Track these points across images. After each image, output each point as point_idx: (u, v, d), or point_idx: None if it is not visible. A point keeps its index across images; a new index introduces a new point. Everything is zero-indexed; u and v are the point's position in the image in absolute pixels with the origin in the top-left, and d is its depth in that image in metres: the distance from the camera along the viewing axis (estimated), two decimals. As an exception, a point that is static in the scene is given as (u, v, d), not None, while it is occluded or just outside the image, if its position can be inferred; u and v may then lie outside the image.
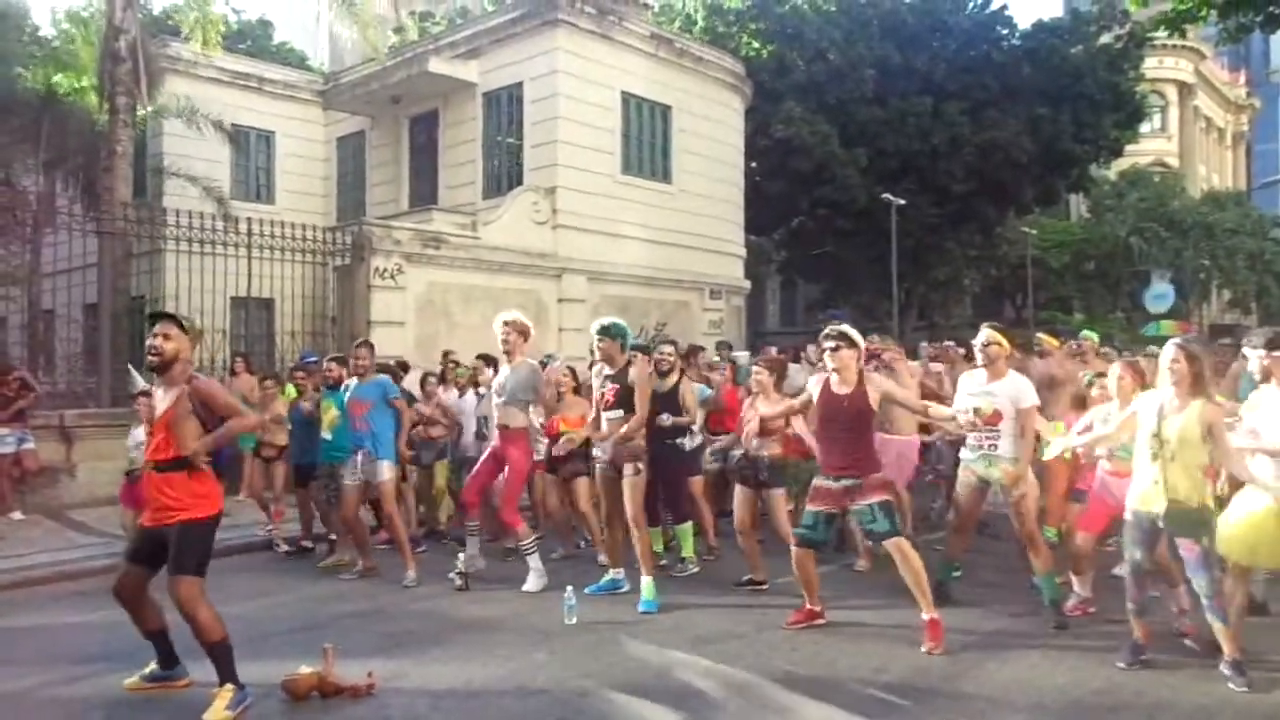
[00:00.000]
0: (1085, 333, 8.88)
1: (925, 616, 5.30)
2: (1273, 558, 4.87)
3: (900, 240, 23.87)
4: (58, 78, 16.80)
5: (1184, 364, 4.71)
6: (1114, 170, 34.29)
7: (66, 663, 5.22)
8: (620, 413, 6.27)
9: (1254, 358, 5.19)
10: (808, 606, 5.82)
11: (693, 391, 7.57)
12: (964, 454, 6.19)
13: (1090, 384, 6.27)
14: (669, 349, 7.65)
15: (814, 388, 5.77)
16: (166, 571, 4.38)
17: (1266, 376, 5.14)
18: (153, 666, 4.65)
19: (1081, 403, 6.32)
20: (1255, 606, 5.72)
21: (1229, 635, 4.66)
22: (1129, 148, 29.28)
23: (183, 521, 4.35)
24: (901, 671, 4.91)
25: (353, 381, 7.45)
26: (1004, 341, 6.07)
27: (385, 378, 7.52)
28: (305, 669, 4.50)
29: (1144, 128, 33.05)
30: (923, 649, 5.21)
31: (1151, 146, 40.71)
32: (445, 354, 10.28)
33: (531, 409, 7.09)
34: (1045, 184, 26.72)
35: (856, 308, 28.85)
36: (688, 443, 7.38)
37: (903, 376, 7.36)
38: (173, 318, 4.56)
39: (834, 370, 5.58)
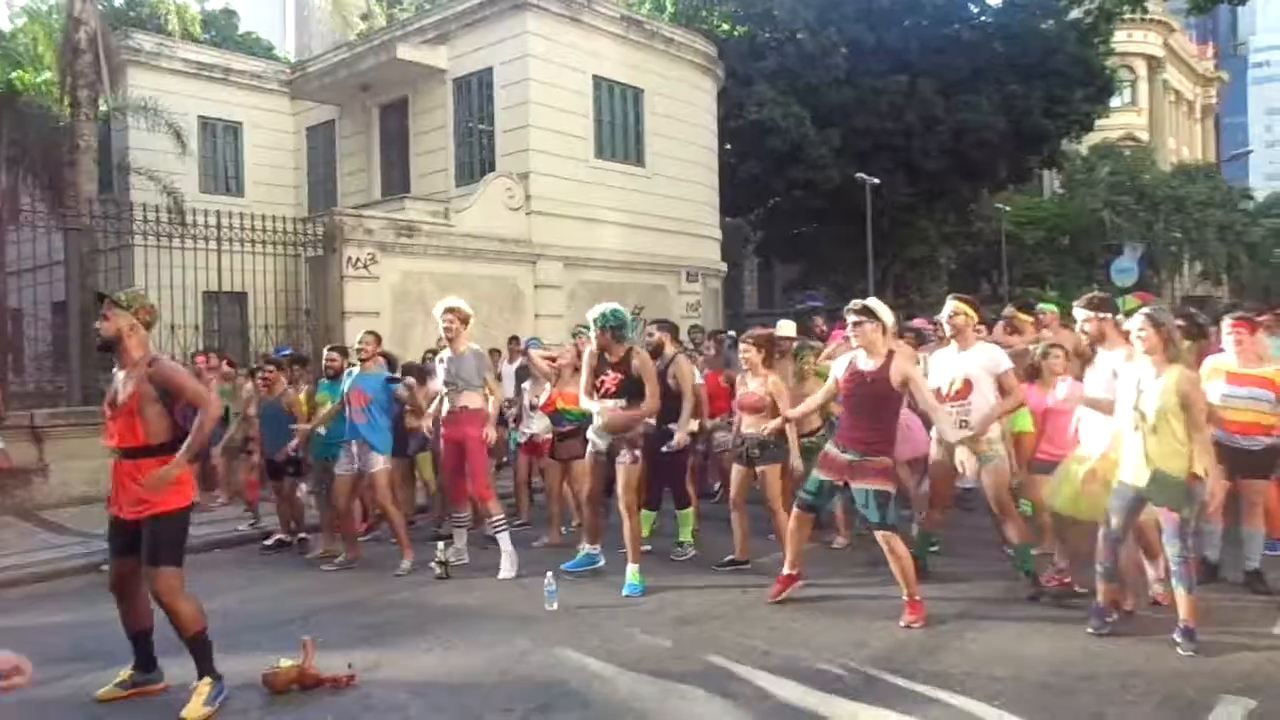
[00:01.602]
0: (1043, 305, 8.92)
1: (905, 598, 5.37)
2: (1089, 509, 5.15)
3: (875, 219, 23.94)
4: (15, 74, 16.51)
5: (1151, 332, 4.75)
6: (1085, 145, 34.54)
7: (40, 664, 5.12)
8: (622, 400, 6.24)
9: (1081, 318, 5.50)
10: (786, 572, 5.84)
11: (689, 369, 7.51)
12: (935, 430, 6.23)
13: (1045, 355, 6.29)
14: (654, 327, 7.64)
15: (839, 368, 5.75)
16: (144, 564, 4.30)
17: (1099, 338, 5.45)
18: (129, 671, 4.49)
19: (1036, 373, 6.34)
20: (1208, 570, 5.84)
21: (1189, 602, 4.75)
22: (1099, 122, 29.46)
23: (156, 514, 4.27)
24: (881, 646, 4.95)
25: (354, 371, 7.40)
26: (969, 311, 6.09)
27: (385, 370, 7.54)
28: (285, 662, 4.47)
29: (1114, 102, 33.29)
30: (901, 623, 5.26)
31: (1121, 120, 41.07)
32: (427, 352, 10.20)
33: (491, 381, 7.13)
34: (1018, 160, 26.88)
35: (833, 287, 28.94)
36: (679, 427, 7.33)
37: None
38: (109, 297, 4.43)
39: (858, 346, 5.58)
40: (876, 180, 23.21)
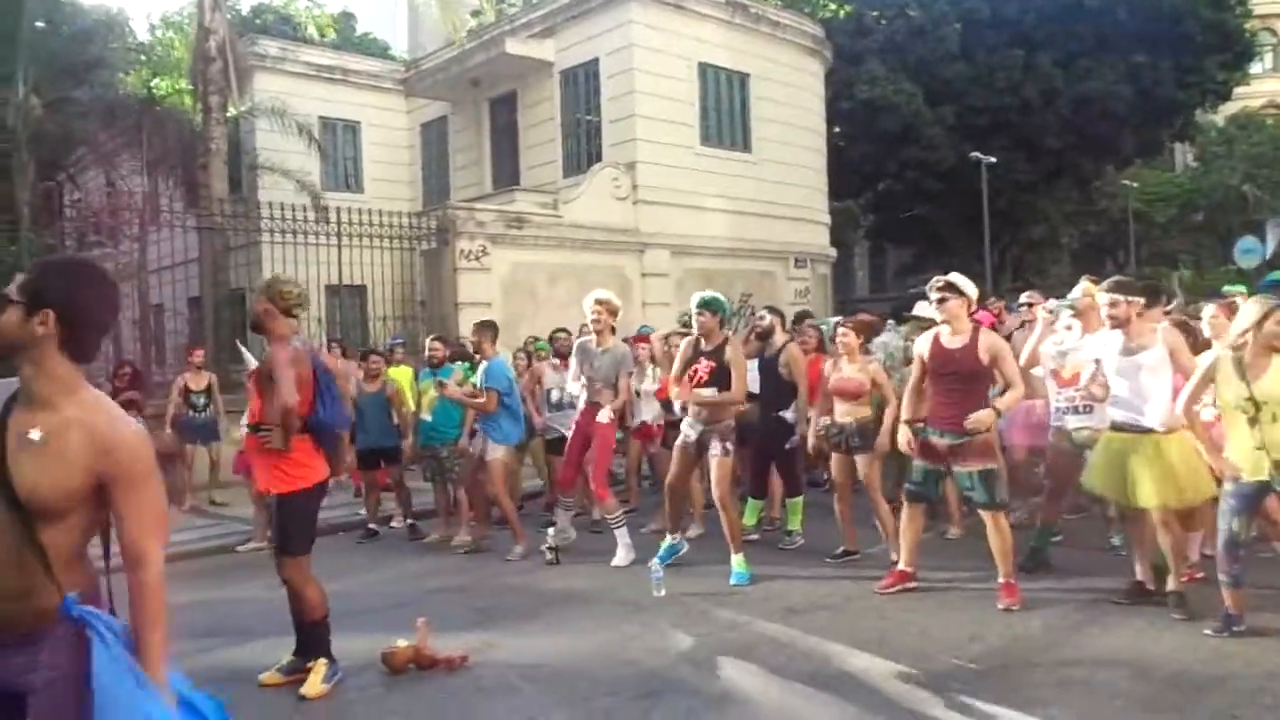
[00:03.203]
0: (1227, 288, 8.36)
1: (1001, 580, 5.28)
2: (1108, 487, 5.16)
3: (992, 200, 23.15)
4: (156, 81, 17.55)
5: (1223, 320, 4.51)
6: (1222, 116, 32.48)
7: (179, 638, 5.47)
8: (714, 390, 6.22)
9: (1106, 301, 5.22)
10: (901, 568, 5.73)
11: (802, 356, 7.42)
12: (1054, 417, 6.00)
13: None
14: (765, 312, 7.58)
15: (922, 345, 5.63)
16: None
17: (1124, 321, 5.15)
18: (290, 657, 4.59)
19: None
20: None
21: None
22: (1238, 90, 27.60)
23: (280, 495, 4.46)
24: (996, 639, 4.81)
25: (482, 364, 7.55)
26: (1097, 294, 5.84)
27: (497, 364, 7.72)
28: (402, 642, 4.64)
29: (1254, 68, 31.17)
30: (999, 605, 5.17)
31: (1263, 88, 38.37)
32: (528, 340, 10.38)
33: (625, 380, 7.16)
34: (1146, 134, 25.50)
35: (947, 270, 28.09)
36: (789, 413, 7.26)
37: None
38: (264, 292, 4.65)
39: (943, 322, 5.46)
40: (993, 159, 22.43)
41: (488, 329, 7.61)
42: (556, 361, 8.60)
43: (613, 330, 7.09)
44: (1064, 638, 4.82)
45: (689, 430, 6.38)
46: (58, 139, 16.07)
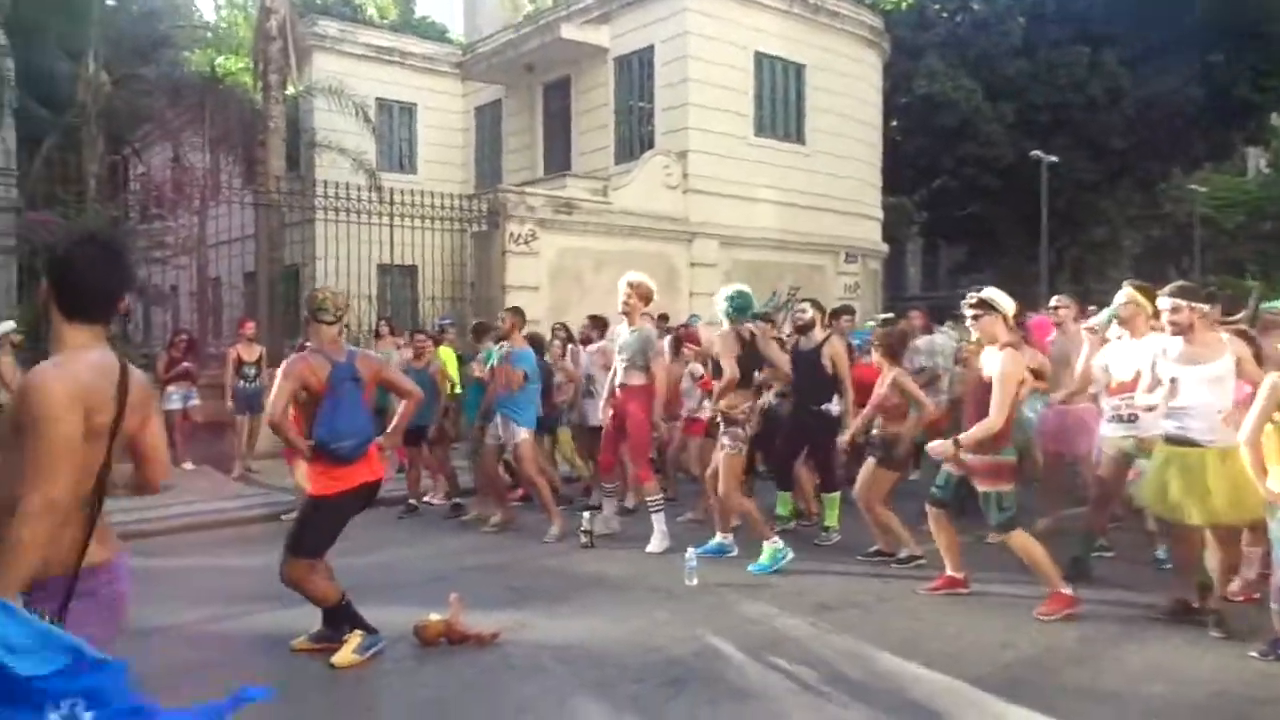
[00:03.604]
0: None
1: (1049, 590, 5.23)
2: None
3: (1051, 200, 22.69)
4: (219, 60, 17.87)
5: None
6: (1298, 120, 31.41)
7: (223, 601, 5.66)
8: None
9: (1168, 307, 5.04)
10: (949, 573, 5.67)
11: (844, 350, 7.40)
12: (1105, 426, 5.89)
13: None
14: (807, 305, 7.54)
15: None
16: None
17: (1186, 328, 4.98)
18: (319, 627, 4.68)
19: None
20: None
21: None
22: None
23: (311, 495, 4.58)
24: (1029, 648, 4.75)
25: (503, 346, 7.64)
26: (1143, 300, 5.71)
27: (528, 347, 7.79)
28: (435, 616, 4.73)
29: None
30: (1035, 612, 5.12)
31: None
32: (555, 326, 10.42)
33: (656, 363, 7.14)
34: (1217, 136, 24.76)
35: (1002, 271, 27.65)
36: (835, 406, 7.18)
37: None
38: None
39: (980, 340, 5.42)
40: (1054, 158, 21.95)
41: (519, 315, 7.73)
42: (594, 348, 8.65)
43: (643, 314, 7.14)
44: (1099, 650, 4.73)
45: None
46: (125, 115, 16.46)
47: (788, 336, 8.01)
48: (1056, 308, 7.33)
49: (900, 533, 6.36)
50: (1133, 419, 5.60)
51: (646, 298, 6.95)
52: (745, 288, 6.54)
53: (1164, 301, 5.05)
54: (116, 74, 15.80)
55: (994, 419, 5.11)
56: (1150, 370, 5.13)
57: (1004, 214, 25.37)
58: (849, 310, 10.00)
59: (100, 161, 13.86)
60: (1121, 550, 6.64)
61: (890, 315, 10.50)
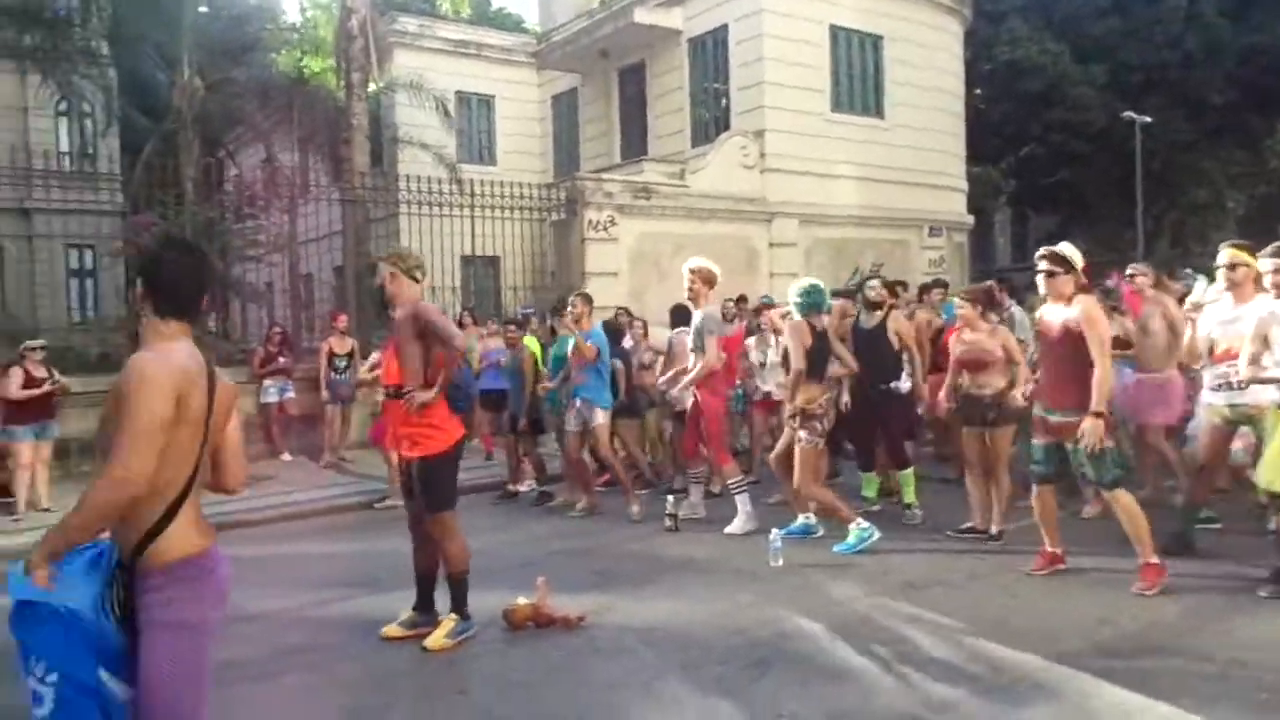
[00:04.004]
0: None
1: (1141, 561, 5.05)
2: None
3: (1146, 162, 21.81)
4: (305, 60, 18.39)
5: None
6: None
7: (318, 587, 5.87)
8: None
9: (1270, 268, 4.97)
10: (1049, 549, 5.53)
11: (907, 326, 7.35)
12: (1206, 394, 5.65)
13: None
14: (876, 283, 7.48)
15: (1039, 316, 5.48)
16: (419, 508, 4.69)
17: None
18: (410, 612, 4.83)
19: None
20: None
21: None
22: None
23: (420, 457, 4.62)
24: (1130, 624, 4.60)
25: (578, 331, 7.71)
26: (1251, 261, 5.44)
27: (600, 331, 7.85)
28: (522, 600, 4.83)
29: None
30: (1133, 589, 4.95)
31: None
32: (618, 310, 10.42)
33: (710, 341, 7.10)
34: (1328, 87, 23.36)
35: (1096, 239, 26.66)
36: (902, 385, 7.15)
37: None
38: (387, 259, 4.86)
39: (1046, 295, 5.26)
40: (1148, 118, 21.03)
41: (588, 302, 7.79)
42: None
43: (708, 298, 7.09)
44: (1203, 625, 4.57)
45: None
46: (219, 118, 17.10)
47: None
48: (1133, 275, 7.10)
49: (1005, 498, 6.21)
50: (1242, 387, 5.36)
51: (710, 281, 6.97)
52: (818, 282, 6.50)
53: (1266, 263, 4.83)
54: (210, 79, 16.40)
55: (1101, 371, 4.94)
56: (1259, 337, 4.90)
57: (1096, 179, 24.46)
58: (941, 284, 9.83)
59: (196, 164, 14.44)
60: (1229, 519, 6.37)
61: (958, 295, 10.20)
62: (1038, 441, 5.34)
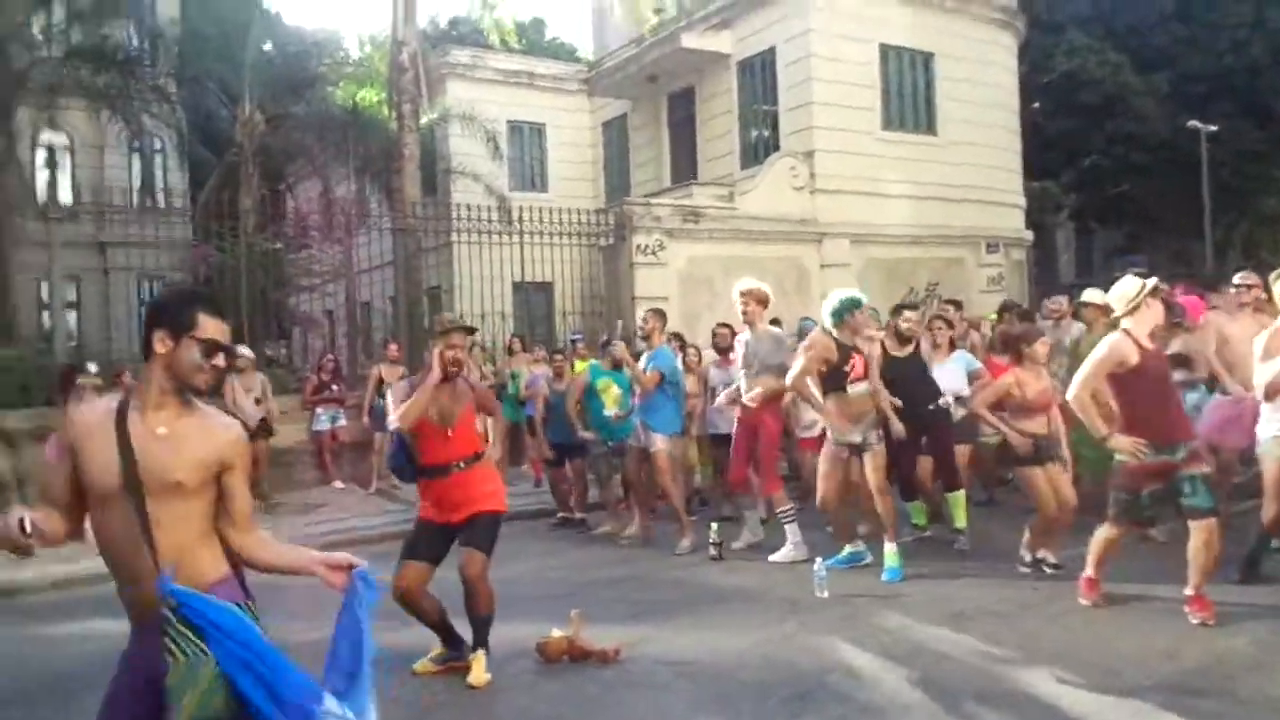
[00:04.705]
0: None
1: (1190, 592, 4.79)
2: None
3: (1214, 172, 21.15)
4: (361, 93, 18.79)
5: None
6: None
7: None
8: (865, 385, 6.11)
9: None
10: (1092, 574, 5.24)
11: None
12: (1263, 426, 5.37)
13: None
14: (913, 315, 7.19)
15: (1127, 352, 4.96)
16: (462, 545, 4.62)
17: None
18: (440, 649, 4.78)
19: None
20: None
21: None
22: None
23: (482, 511, 4.62)
24: (1197, 657, 4.37)
25: (643, 354, 7.63)
26: None
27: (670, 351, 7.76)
28: (557, 632, 4.75)
29: None
30: (1193, 620, 4.71)
31: None
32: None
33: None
34: None
35: (1164, 251, 25.89)
36: (944, 401, 6.96)
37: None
38: (467, 329, 4.87)
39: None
40: (1214, 127, 20.41)
41: (660, 318, 7.71)
42: (717, 358, 8.53)
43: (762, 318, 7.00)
44: (1275, 658, 4.32)
45: (851, 435, 6.18)
46: (279, 151, 17.58)
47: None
48: (1248, 285, 6.65)
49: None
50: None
51: (764, 302, 6.89)
52: (848, 293, 6.34)
53: None
54: (270, 114, 16.88)
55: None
56: None
57: (1161, 192, 23.79)
58: (1017, 305, 9.56)
59: (255, 196, 14.83)
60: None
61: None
62: (1147, 490, 4.90)
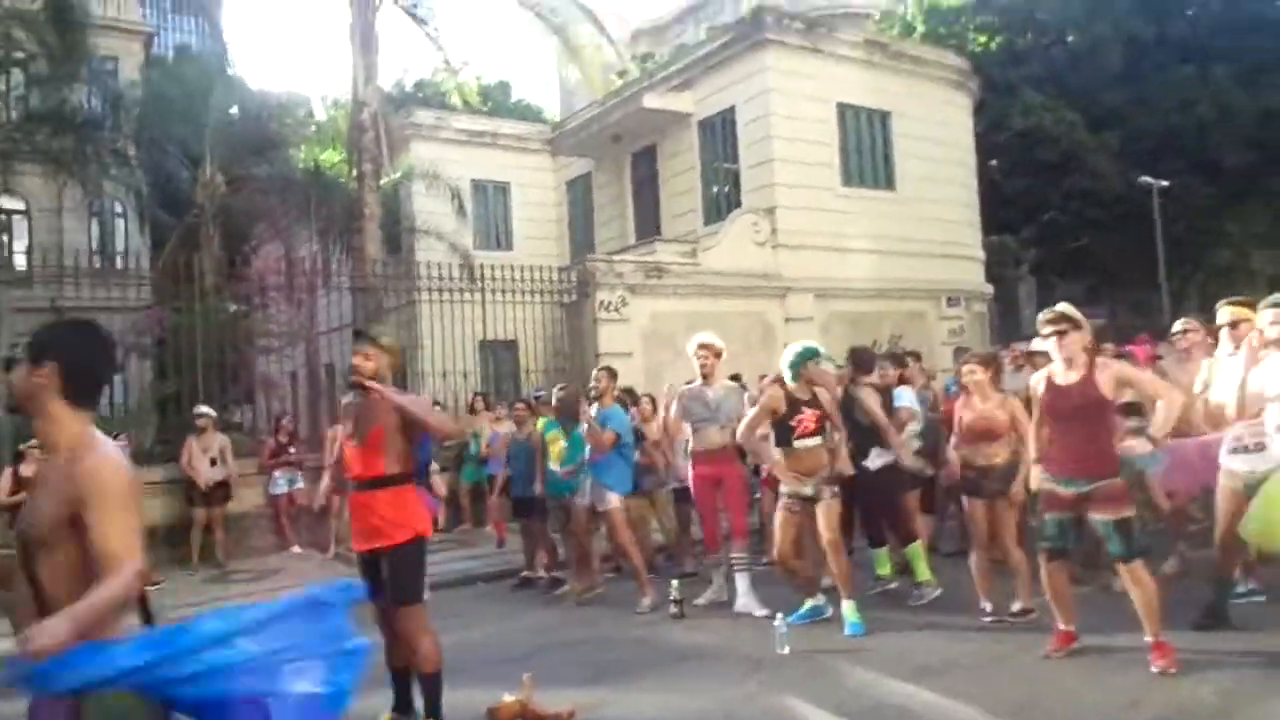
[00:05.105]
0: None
1: (1149, 639, 4.73)
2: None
3: (1167, 226, 21.66)
4: (324, 154, 18.84)
5: None
6: None
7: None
8: (819, 440, 6.07)
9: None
10: (1063, 627, 5.18)
11: (870, 400, 7.04)
12: (1224, 456, 5.36)
13: None
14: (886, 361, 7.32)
15: (1036, 383, 5.19)
16: (391, 607, 4.43)
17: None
18: (389, 714, 4.61)
19: None
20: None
21: None
22: None
23: (389, 547, 4.38)
24: (1160, 707, 4.30)
25: (593, 409, 7.52)
26: (1253, 316, 5.23)
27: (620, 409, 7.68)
28: (508, 697, 4.59)
29: None
30: (1153, 669, 4.63)
31: None
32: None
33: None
34: (1349, 145, 23.24)
35: (1123, 304, 26.36)
36: (872, 460, 6.83)
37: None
38: (371, 338, 4.64)
39: (1061, 359, 4.98)
40: (1165, 183, 20.95)
41: (612, 377, 7.67)
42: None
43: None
44: (1241, 706, 4.25)
45: (802, 489, 6.12)
46: (241, 213, 17.46)
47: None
48: (1186, 331, 6.75)
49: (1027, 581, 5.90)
50: (1259, 448, 5.09)
51: (719, 355, 6.93)
52: (803, 344, 6.35)
53: (1265, 315, 4.65)
54: (231, 175, 16.81)
55: (1172, 403, 4.80)
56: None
57: (1118, 245, 24.30)
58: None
59: (215, 258, 14.67)
60: (1276, 592, 6.01)
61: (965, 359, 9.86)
62: (1049, 516, 5.02)
